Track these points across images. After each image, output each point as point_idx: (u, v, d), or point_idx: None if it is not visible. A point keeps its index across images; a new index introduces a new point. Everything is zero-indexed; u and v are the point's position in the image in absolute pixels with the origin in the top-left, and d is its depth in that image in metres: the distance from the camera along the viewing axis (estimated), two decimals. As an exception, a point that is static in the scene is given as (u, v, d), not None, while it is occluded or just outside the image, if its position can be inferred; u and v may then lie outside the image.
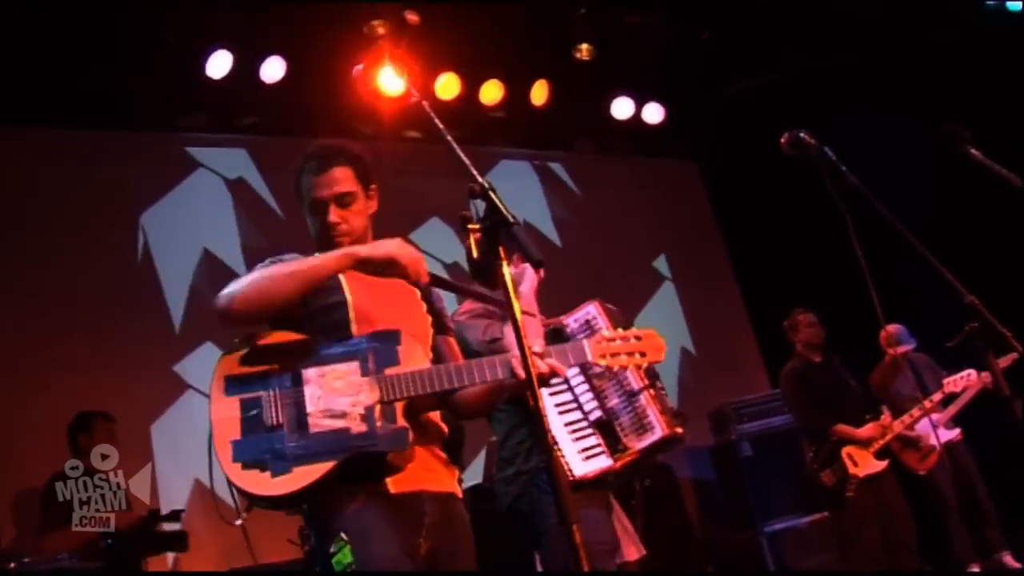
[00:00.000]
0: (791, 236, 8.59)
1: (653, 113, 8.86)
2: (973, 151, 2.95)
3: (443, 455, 2.78)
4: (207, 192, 7.59)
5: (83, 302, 6.67)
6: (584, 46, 7.81)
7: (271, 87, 7.25)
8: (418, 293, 2.90)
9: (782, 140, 2.93)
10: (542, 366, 2.54)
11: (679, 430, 3.68)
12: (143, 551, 5.37)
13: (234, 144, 7.82)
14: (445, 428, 2.79)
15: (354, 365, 2.56)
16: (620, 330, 2.74)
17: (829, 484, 6.09)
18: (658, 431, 3.60)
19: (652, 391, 3.65)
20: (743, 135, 8.52)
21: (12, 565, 4.88)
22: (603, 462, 3.57)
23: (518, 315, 2.15)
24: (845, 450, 6.09)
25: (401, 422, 2.52)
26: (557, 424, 3.55)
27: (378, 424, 2.49)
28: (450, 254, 7.93)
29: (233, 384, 2.56)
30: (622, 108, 8.72)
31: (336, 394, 2.52)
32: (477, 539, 2.73)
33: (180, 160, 7.58)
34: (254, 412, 2.51)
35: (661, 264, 9.46)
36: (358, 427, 2.49)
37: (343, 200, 2.81)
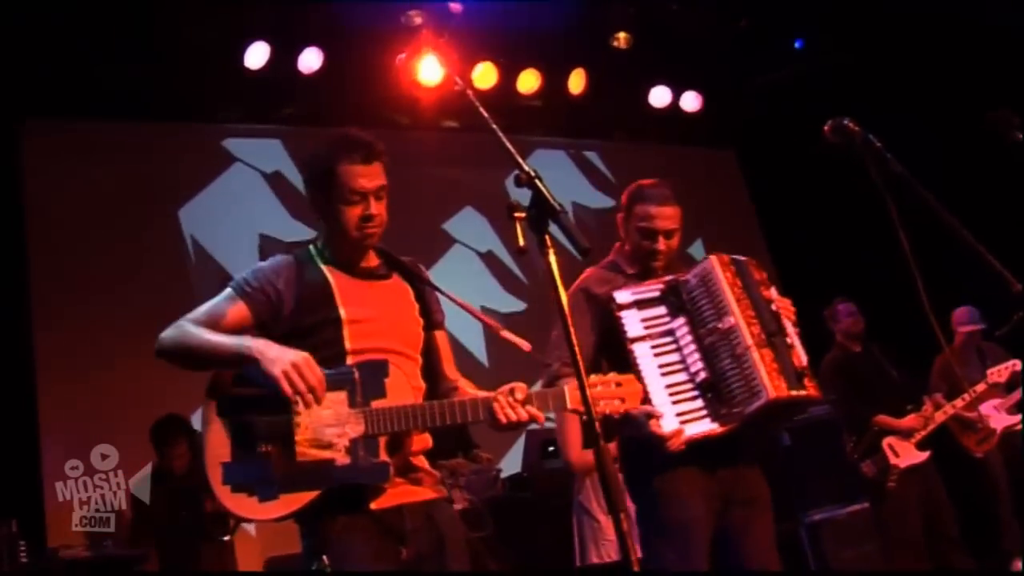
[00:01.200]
0: (830, 224, 8.52)
1: (691, 101, 8.81)
2: (1021, 136, 2.90)
3: (425, 464, 2.83)
4: (244, 186, 7.65)
5: (127, 297, 6.80)
6: (622, 35, 7.78)
7: (308, 77, 7.29)
8: (411, 292, 2.92)
9: (825, 128, 2.89)
10: (522, 413, 2.63)
11: (795, 392, 3.30)
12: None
13: (270, 135, 7.88)
14: (430, 440, 2.85)
15: (342, 395, 2.62)
16: (600, 375, 2.72)
17: (870, 475, 6.04)
18: (764, 395, 3.24)
19: (767, 348, 3.32)
20: (782, 122, 8.46)
21: (61, 554, 4.99)
22: (704, 426, 3.32)
23: (566, 307, 2.14)
24: (886, 441, 6.03)
25: (383, 457, 2.59)
26: (658, 385, 3.33)
27: (361, 457, 2.57)
28: (483, 243, 7.95)
29: (227, 406, 2.62)
30: (660, 96, 8.69)
31: (324, 423, 2.59)
32: (516, 527, 2.74)
33: (217, 155, 7.64)
34: (244, 436, 2.59)
35: (698, 251, 9.40)
36: (342, 459, 2.57)
37: (380, 194, 2.79)
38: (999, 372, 6.26)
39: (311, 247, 2.89)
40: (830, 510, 7.01)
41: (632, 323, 3.36)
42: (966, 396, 6.24)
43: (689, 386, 3.39)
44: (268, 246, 7.17)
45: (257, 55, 7.07)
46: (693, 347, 3.42)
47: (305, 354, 2.57)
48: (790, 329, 3.48)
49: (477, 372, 5.87)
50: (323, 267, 2.82)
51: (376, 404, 2.62)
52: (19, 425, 6.19)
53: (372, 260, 2.90)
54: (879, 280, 5.74)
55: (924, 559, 5.85)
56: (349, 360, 2.70)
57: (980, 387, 6.29)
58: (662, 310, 3.42)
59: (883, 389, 6.19)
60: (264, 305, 2.74)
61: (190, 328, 2.67)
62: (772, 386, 3.26)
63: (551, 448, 6.38)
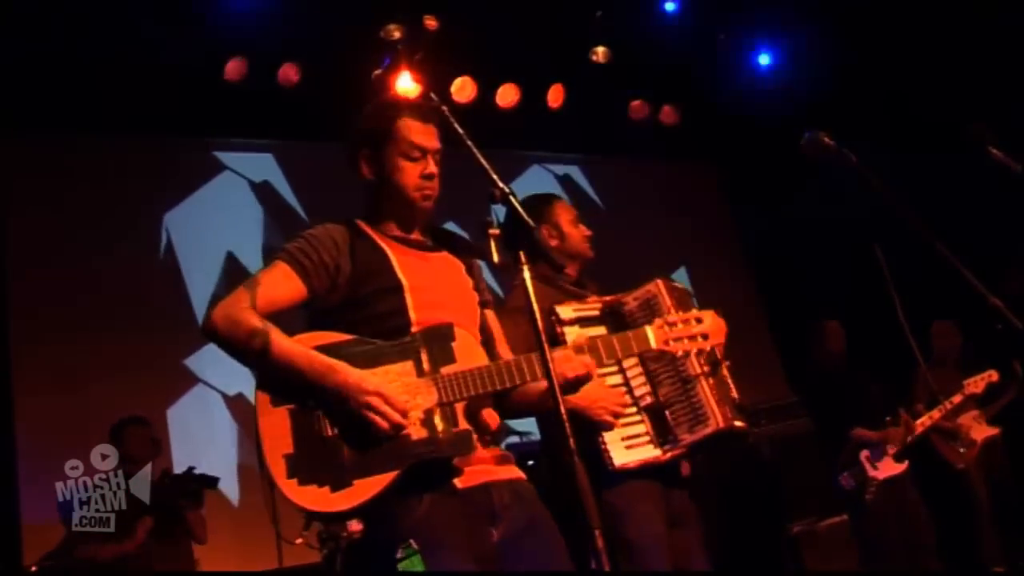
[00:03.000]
0: (811, 238, 8.54)
1: (669, 114, 8.84)
2: (994, 150, 2.93)
3: (500, 449, 2.68)
4: (232, 194, 7.66)
5: (109, 298, 6.76)
6: (600, 48, 7.79)
7: (289, 91, 7.27)
8: (463, 267, 2.79)
9: (801, 142, 2.89)
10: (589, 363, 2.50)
11: (739, 424, 3.33)
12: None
13: (260, 149, 7.90)
14: (499, 419, 2.65)
15: (408, 365, 2.44)
16: (680, 312, 2.67)
17: (848, 487, 6.06)
18: (712, 424, 3.24)
19: (712, 379, 3.30)
20: (762, 135, 8.48)
21: (34, 568, 4.92)
22: (648, 452, 3.30)
23: (539, 321, 2.13)
24: (864, 453, 6.05)
25: (463, 424, 2.42)
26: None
27: (439, 428, 2.39)
28: (464, 259, 7.93)
29: (280, 393, 2.40)
30: (638, 110, 8.71)
31: None
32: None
33: (206, 162, 7.66)
34: (306, 422, 2.37)
35: (680, 274, 9.39)
36: (418, 432, 2.38)
37: (437, 157, 2.66)
38: (975, 383, 6.28)
39: (355, 220, 2.70)
40: (809, 522, 7.03)
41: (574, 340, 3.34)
42: (943, 407, 6.27)
43: (634, 410, 3.35)
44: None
45: (238, 69, 7.06)
46: (638, 370, 3.38)
47: (379, 388, 2.37)
48: (724, 363, 3.47)
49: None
50: (374, 235, 2.66)
51: (446, 370, 2.44)
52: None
53: (420, 235, 2.75)
54: (861, 293, 5.76)
55: (902, 570, 5.86)
56: (414, 331, 2.51)
57: (956, 398, 6.31)
58: (603, 331, 3.28)
59: (861, 402, 6.21)
60: (322, 279, 2.54)
61: (246, 317, 2.42)
62: (720, 414, 3.26)
63: (530, 463, 6.35)
